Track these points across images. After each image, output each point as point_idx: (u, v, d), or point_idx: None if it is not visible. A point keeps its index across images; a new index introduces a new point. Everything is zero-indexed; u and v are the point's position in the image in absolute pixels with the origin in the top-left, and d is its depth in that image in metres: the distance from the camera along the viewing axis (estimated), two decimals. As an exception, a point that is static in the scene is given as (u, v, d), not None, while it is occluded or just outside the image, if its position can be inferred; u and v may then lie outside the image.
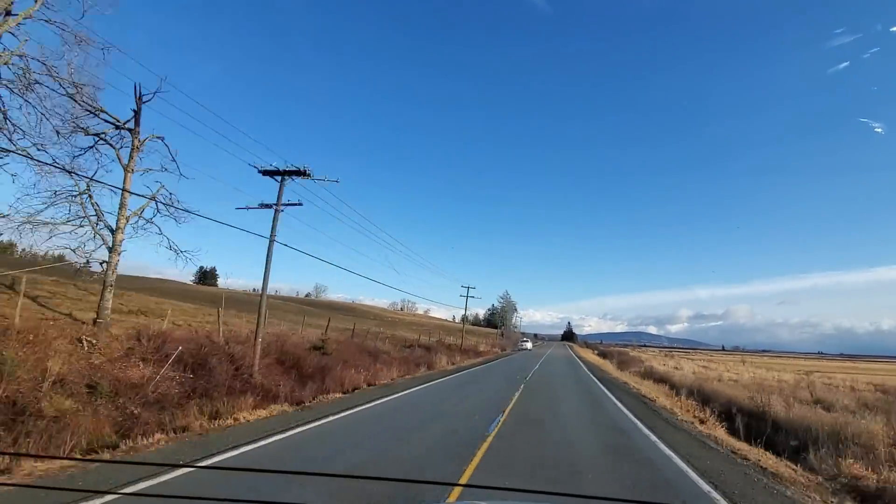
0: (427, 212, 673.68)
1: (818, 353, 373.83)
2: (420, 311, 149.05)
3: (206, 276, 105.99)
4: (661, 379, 26.38)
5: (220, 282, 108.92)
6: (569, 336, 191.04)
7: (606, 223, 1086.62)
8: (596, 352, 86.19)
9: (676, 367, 40.12)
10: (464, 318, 54.01)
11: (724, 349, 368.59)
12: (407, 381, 18.41)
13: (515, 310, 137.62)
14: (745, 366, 59.75)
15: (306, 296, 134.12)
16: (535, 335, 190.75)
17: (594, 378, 26.39)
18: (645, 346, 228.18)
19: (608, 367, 34.23)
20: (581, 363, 40.38)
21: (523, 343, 72.78)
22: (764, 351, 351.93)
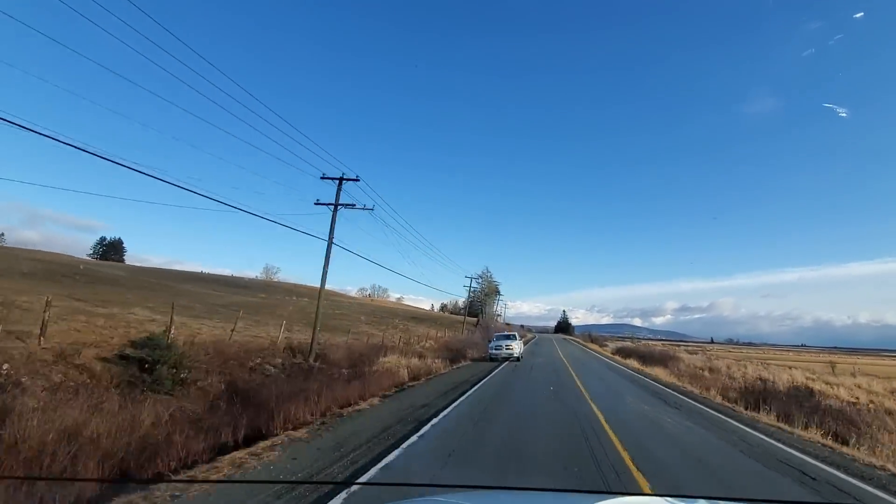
0: (410, 200, 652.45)
1: (801, 345, 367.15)
2: (392, 299, 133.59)
3: (110, 250, 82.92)
4: None
5: (129, 257, 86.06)
6: (564, 328, 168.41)
7: (596, 216, 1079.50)
8: (610, 349, 66.01)
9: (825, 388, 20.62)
10: (321, 286, 30.97)
11: (712, 341, 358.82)
12: None
13: (498, 292, 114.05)
14: (831, 368, 42.79)
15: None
16: (522, 326, 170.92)
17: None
18: (639, 339, 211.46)
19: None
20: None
21: (501, 345, 30.25)
22: (749, 343, 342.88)
